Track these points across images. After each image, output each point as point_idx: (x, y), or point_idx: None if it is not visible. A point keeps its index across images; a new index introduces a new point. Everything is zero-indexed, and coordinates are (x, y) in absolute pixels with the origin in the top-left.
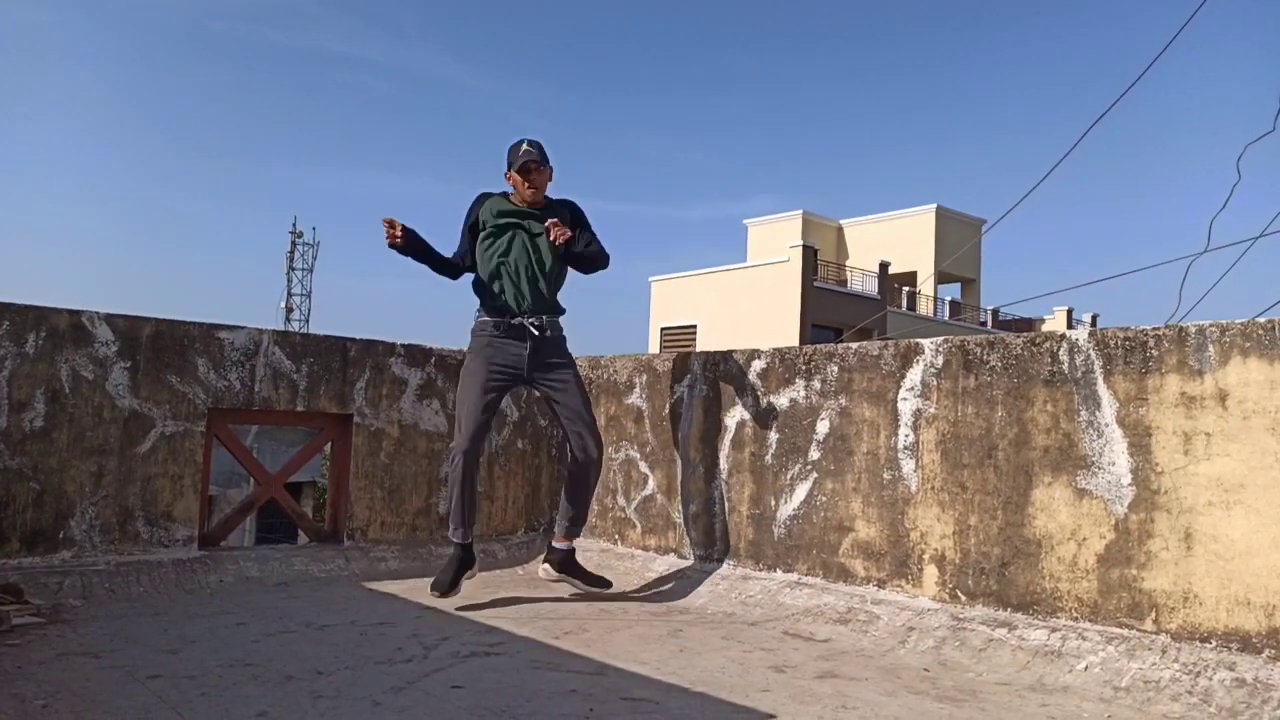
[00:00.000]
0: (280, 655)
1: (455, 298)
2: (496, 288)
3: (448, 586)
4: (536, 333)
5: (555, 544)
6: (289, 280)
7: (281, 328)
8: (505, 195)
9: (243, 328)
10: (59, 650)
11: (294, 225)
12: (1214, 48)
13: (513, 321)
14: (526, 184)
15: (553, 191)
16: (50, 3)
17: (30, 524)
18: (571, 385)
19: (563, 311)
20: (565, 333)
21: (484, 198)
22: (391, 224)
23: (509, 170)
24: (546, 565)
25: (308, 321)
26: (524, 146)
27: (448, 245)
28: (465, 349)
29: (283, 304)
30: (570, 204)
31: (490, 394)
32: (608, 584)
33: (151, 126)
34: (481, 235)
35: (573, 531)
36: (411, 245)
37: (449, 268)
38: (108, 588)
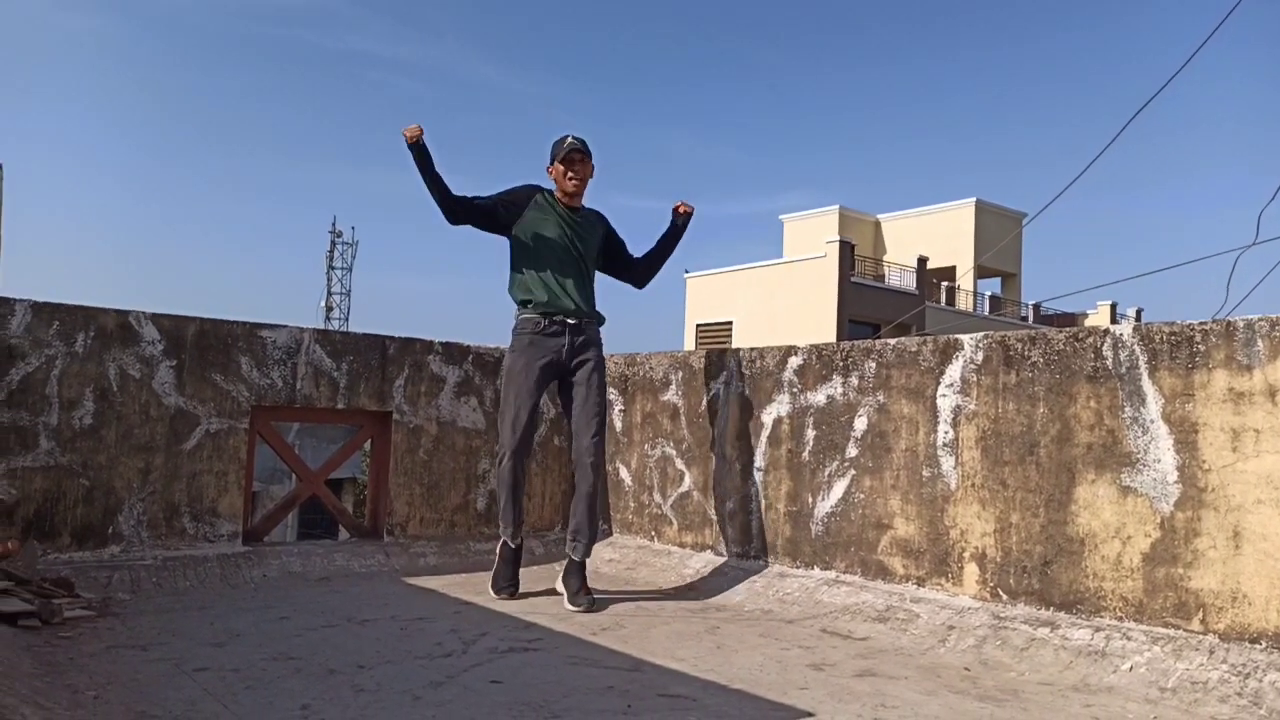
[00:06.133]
0: (322, 649)
1: (494, 296)
2: (542, 287)
3: (514, 588)
4: (574, 322)
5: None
6: (329, 279)
7: (322, 326)
8: (552, 194)
9: (284, 326)
10: (109, 643)
11: (333, 225)
12: (1261, 33)
13: (555, 318)
14: (569, 174)
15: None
16: (92, 8)
17: (80, 519)
18: (594, 379)
19: (603, 320)
20: (602, 338)
21: (536, 191)
22: (416, 128)
23: (551, 163)
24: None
25: (347, 320)
26: (569, 139)
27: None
28: (504, 347)
29: (323, 303)
30: (604, 216)
31: (535, 393)
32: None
33: (192, 129)
34: (520, 225)
35: (581, 549)
36: (424, 151)
37: (450, 199)
38: (155, 582)
